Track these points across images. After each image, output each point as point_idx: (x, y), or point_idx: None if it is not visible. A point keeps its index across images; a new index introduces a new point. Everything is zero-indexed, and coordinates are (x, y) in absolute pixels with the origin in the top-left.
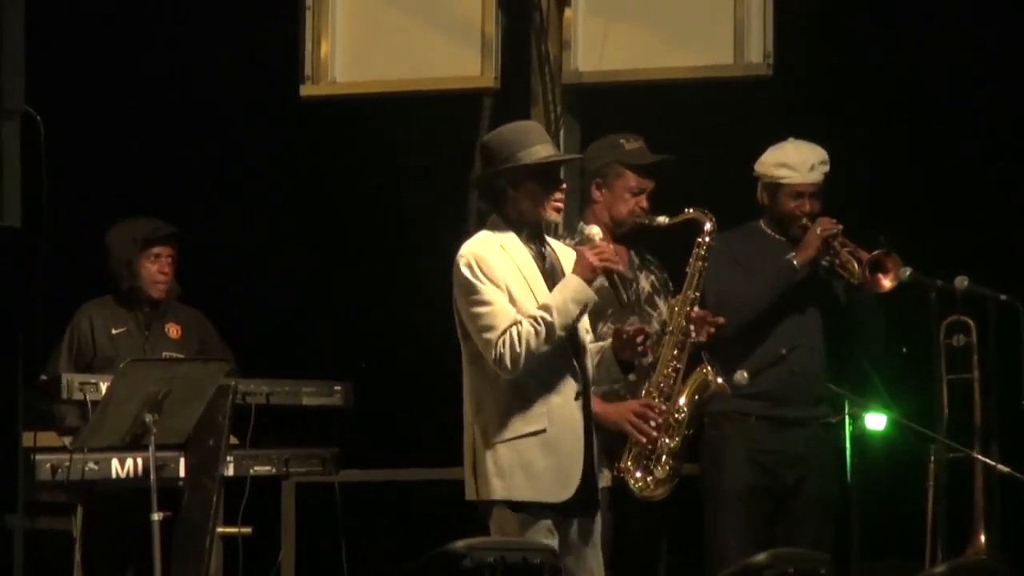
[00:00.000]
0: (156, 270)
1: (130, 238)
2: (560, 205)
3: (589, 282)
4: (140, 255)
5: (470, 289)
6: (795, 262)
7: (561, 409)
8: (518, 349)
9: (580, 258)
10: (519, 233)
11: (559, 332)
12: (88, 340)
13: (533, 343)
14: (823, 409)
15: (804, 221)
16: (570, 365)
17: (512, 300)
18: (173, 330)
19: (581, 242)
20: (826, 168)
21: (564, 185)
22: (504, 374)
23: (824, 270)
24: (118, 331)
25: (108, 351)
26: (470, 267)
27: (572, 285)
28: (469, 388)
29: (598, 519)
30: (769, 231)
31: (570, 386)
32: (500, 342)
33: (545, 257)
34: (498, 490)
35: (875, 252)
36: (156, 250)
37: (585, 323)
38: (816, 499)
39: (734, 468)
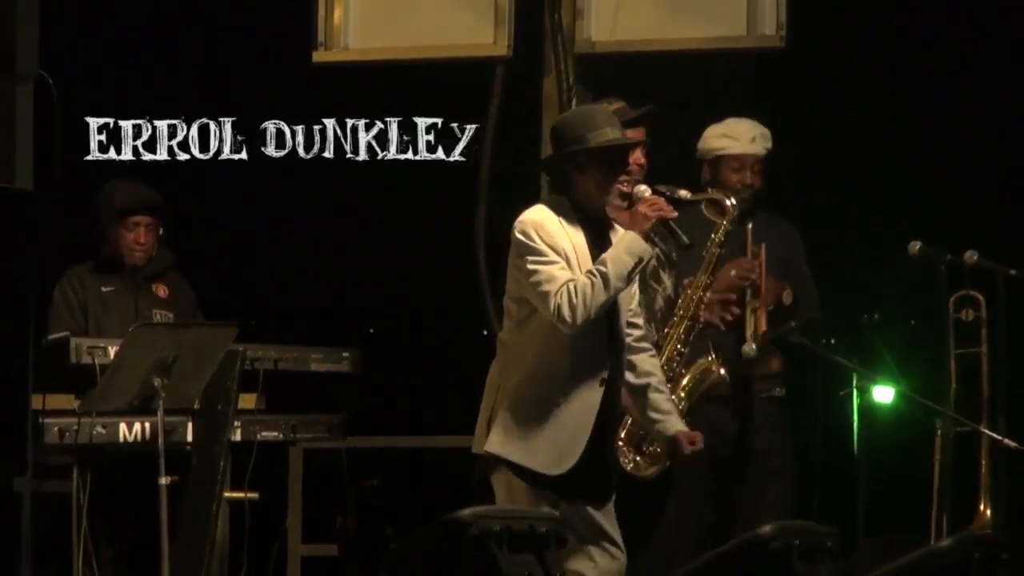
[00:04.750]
0: (132, 239)
1: (109, 206)
2: (627, 189)
3: (646, 236)
4: (118, 224)
5: (529, 250)
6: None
7: (581, 389)
8: (575, 300)
9: (633, 214)
10: (581, 218)
11: (615, 283)
12: (80, 302)
13: (590, 293)
14: (765, 384)
15: (747, 195)
16: (602, 351)
17: (568, 267)
18: (161, 290)
19: (631, 205)
20: (767, 144)
21: (631, 168)
22: (564, 328)
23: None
24: (107, 291)
25: (99, 311)
26: (529, 232)
27: (628, 238)
28: (505, 351)
29: (610, 508)
30: (707, 214)
31: (597, 371)
32: (558, 294)
33: (600, 247)
34: (494, 444)
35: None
36: (135, 219)
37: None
38: (767, 472)
39: None
